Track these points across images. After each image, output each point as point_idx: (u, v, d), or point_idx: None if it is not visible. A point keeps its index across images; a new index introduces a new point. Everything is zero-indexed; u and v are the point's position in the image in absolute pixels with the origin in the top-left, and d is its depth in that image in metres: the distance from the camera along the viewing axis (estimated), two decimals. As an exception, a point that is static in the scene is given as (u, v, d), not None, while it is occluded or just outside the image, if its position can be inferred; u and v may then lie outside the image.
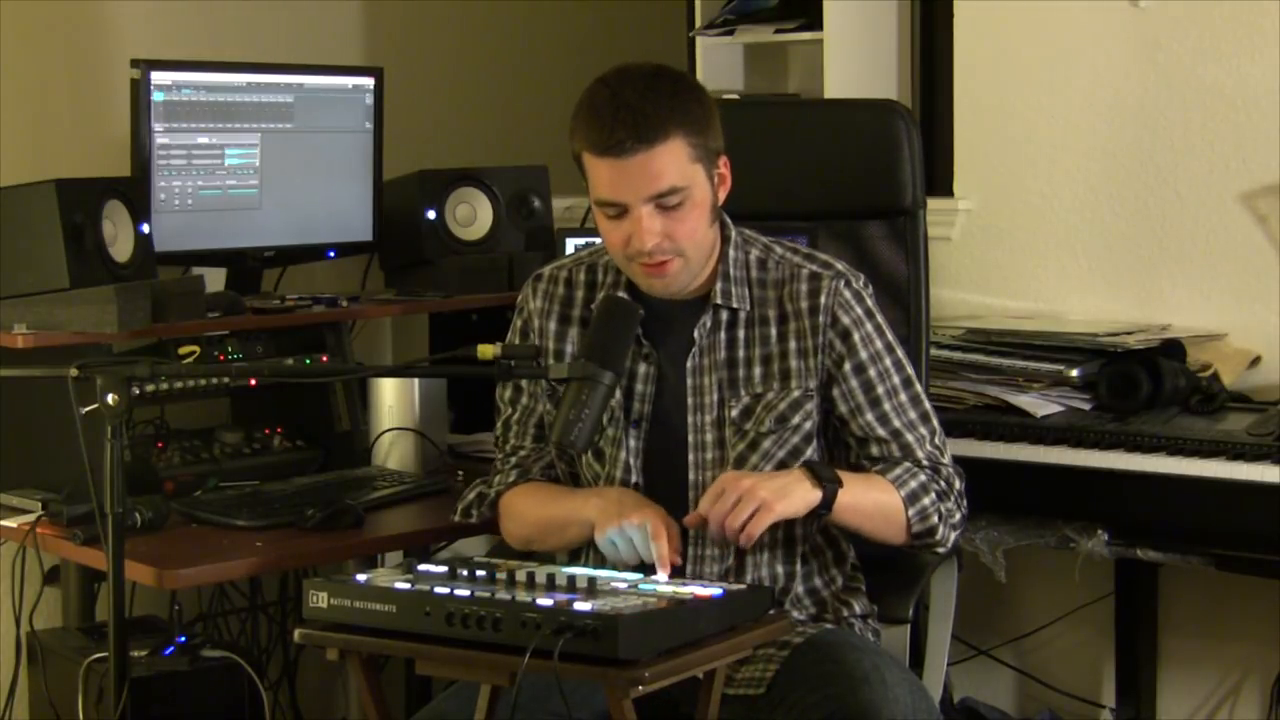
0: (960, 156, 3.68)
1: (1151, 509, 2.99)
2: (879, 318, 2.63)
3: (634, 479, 2.61)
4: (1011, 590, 3.48)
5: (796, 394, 2.59)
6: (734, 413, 2.59)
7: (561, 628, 2.08)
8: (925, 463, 2.60)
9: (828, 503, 2.46)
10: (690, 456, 2.60)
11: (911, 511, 2.55)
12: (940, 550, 2.62)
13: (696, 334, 2.60)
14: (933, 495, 2.57)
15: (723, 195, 2.58)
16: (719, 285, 2.60)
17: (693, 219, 2.50)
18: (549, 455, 2.72)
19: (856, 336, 2.59)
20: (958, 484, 2.62)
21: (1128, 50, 3.46)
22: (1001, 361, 3.26)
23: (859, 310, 2.60)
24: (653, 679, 2.10)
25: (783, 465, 2.59)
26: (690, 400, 2.60)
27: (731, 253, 2.61)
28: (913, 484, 2.56)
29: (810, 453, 2.60)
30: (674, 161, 2.46)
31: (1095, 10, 3.49)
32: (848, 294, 2.60)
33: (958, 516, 2.61)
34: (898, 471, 2.57)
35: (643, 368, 2.61)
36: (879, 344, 2.61)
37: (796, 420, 2.59)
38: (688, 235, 2.51)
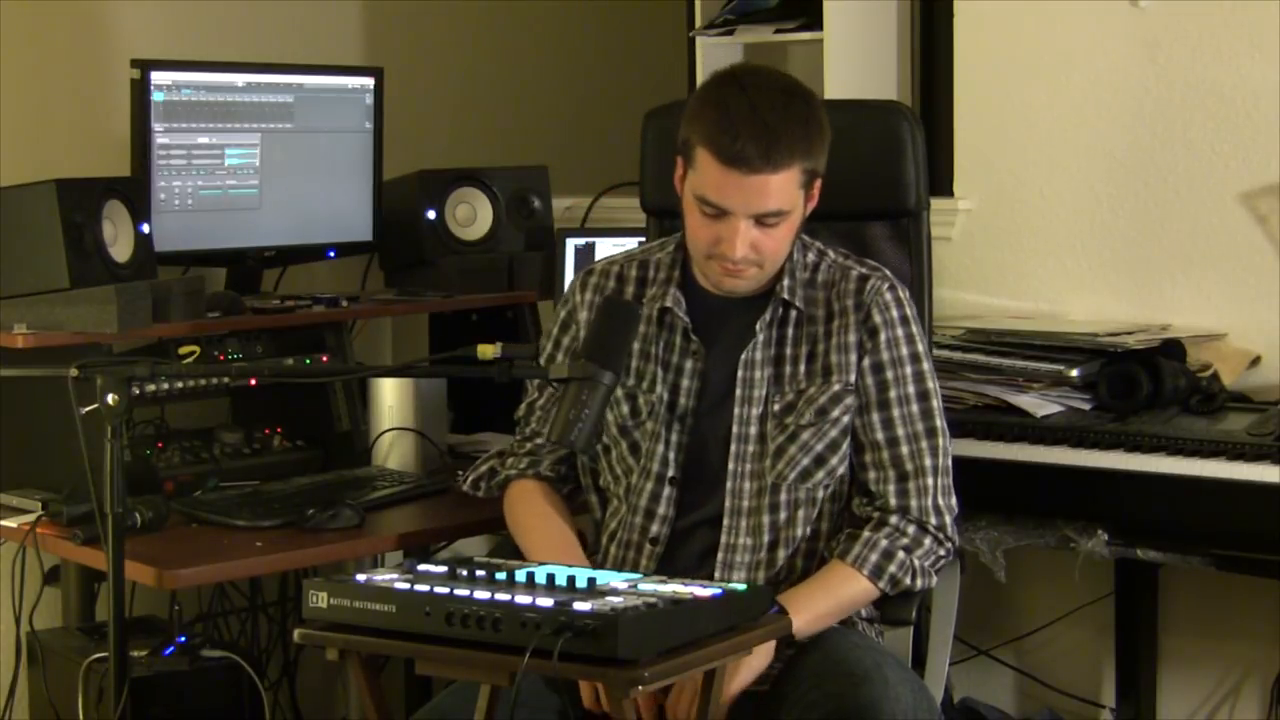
0: (960, 156, 3.67)
1: (1151, 509, 2.98)
2: (914, 327, 2.64)
3: (670, 473, 2.62)
4: (1011, 590, 3.47)
5: (837, 388, 2.61)
6: (777, 407, 2.61)
7: (561, 628, 2.07)
8: (913, 508, 2.57)
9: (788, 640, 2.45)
10: (732, 447, 2.61)
11: (881, 583, 2.55)
12: (921, 592, 2.61)
13: (758, 327, 2.62)
14: (899, 557, 2.56)
15: (809, 211, 2.60)
16: (785, 281, 2.63)
17: (781, 235, 2.55)
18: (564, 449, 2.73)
19: (883, 337, 2.61)
20: (933, 525, 2.58)
21: (1128, 50, 3.45)
22: (1001, 361, 3.25)
23: (894, 314, 2.62)
24: (653, 679, 2.10)
25: (820, 459, 2.60)
26: (739, 392, 2.62)
27: (795, 254, 2.64)
28: (874, 557, 2.54)
29: (846, 448, 2.61)
30: (786, 187, 2.50)
31: (1095, 10, 3.48)
32: (888, 295, 2.63)
33: (933, 557, 2.59)
34: (856, 550, 2.54)
35: (689, 363, 2.64)
36: (904, 350, 2.62)
37: (836, 414, 2.60)
38: (774, 250, 2.55)
